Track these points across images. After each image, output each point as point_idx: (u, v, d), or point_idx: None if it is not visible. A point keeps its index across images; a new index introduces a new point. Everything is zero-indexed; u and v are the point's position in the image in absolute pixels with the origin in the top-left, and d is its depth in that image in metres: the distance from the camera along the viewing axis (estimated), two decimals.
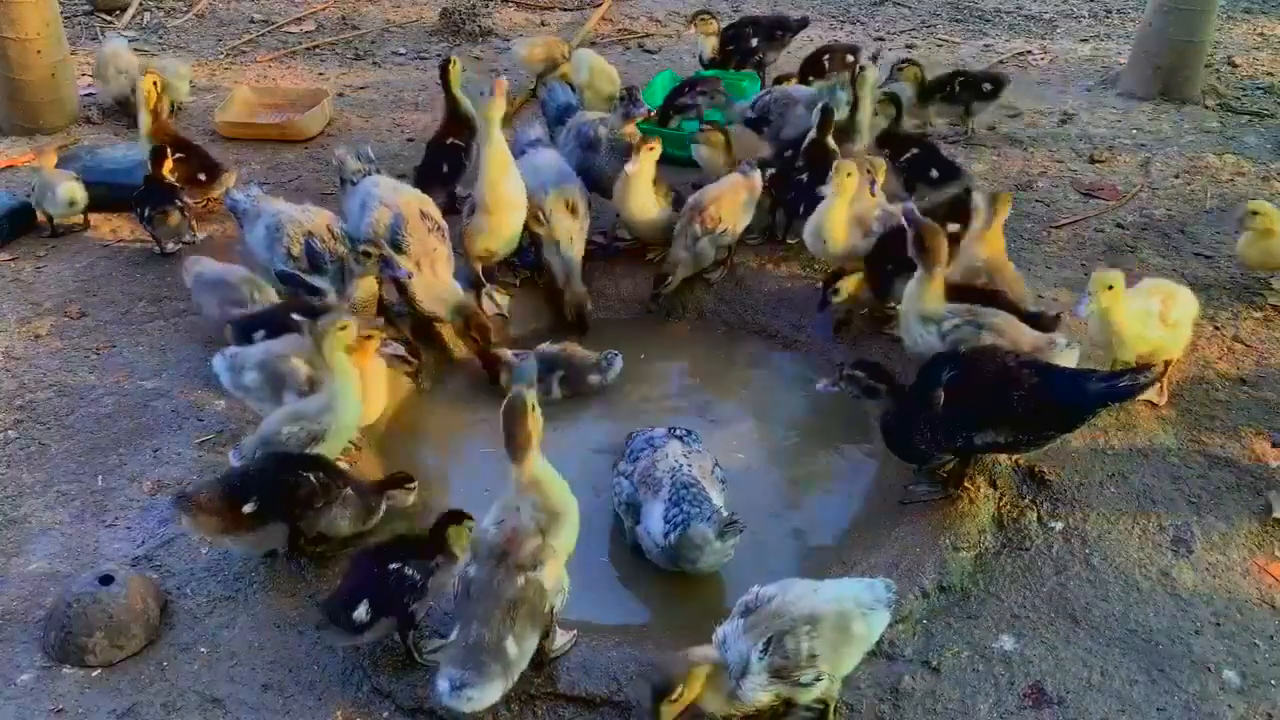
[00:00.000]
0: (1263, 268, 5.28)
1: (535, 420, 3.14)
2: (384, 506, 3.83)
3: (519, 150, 5.66)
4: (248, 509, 3.54)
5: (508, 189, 4.96)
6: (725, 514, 3.71)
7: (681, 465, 3.88)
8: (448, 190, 5.87)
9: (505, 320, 5.30)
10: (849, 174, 4.90)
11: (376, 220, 4.82)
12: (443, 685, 3.00)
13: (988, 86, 6.91)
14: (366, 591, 3.25)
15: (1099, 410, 3.76)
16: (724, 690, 2.97)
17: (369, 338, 4.11)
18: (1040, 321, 4.35)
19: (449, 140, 6.03)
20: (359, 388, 3.94)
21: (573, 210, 5.21)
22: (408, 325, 5.00)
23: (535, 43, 7.62)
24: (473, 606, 3.09)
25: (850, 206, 4.97)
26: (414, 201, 4.94)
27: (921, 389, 3.89)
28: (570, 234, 5.20)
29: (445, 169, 5.94)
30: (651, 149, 5.25)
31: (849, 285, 4.83)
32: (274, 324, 4.39)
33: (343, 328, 3.84)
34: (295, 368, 4.07)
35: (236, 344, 4.34)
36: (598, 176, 5.55)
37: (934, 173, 5.84)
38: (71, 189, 5.78)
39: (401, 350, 4.49)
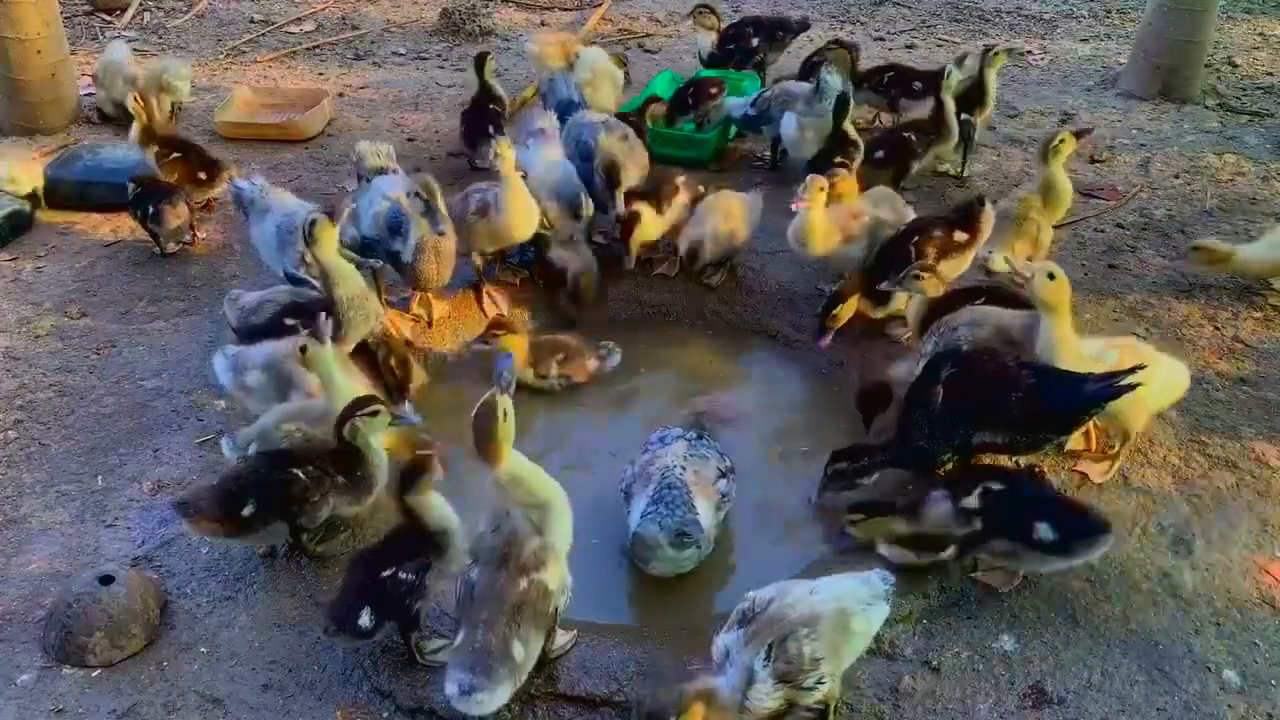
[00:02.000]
0: (1257, 276, 5.33)
1: (507, 427, 3.07)
2: (382, 478, 3.76)
3: (522, 140, 5.67)
4: (246, 512, 3.54)
5: (526, 225, 5.04)
6: (682, 523, 3.68)
7: (674, 466, 3.87)
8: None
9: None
10: (820, 188, 4.92)
11: (377, 214, 4.82)
12: (452, 689, 3.00)
13: (918, 85, 6.75)
14: (367, 599, 3.25)
15: (1094, 412, 3.76)
16: (727, 708, 2.95)
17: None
18: None
19: (490, 105, 6.52)
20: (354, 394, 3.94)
21: (574, 215, 5.28)
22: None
23: (548, 39, 7.67)
24: (476, 610, 3.09)
25: (827, 212, 4.99)
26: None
27: (921, 386, 3.90)
28: (573, 234, 5.31)
29: (490, 129, 6.26)
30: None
31: (846, 311, 4.79)
32: (280, 333, 4.34)
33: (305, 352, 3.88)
34: (300, 370, 4.03)
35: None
36: (597, 189, 5.52)
37: (916, 85, 6.62)
38: (9, 166, 5.91)
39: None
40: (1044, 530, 3.45)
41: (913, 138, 6.09)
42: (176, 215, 5.56)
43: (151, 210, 5.53)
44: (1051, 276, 3.86)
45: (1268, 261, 5.23)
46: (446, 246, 4.78)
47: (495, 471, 3.12)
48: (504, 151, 4.89)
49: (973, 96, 6.42)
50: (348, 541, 3.78)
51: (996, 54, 6.41)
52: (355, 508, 3.77)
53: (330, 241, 4.30)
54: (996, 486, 3.58)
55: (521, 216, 5.01)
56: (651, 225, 5.39)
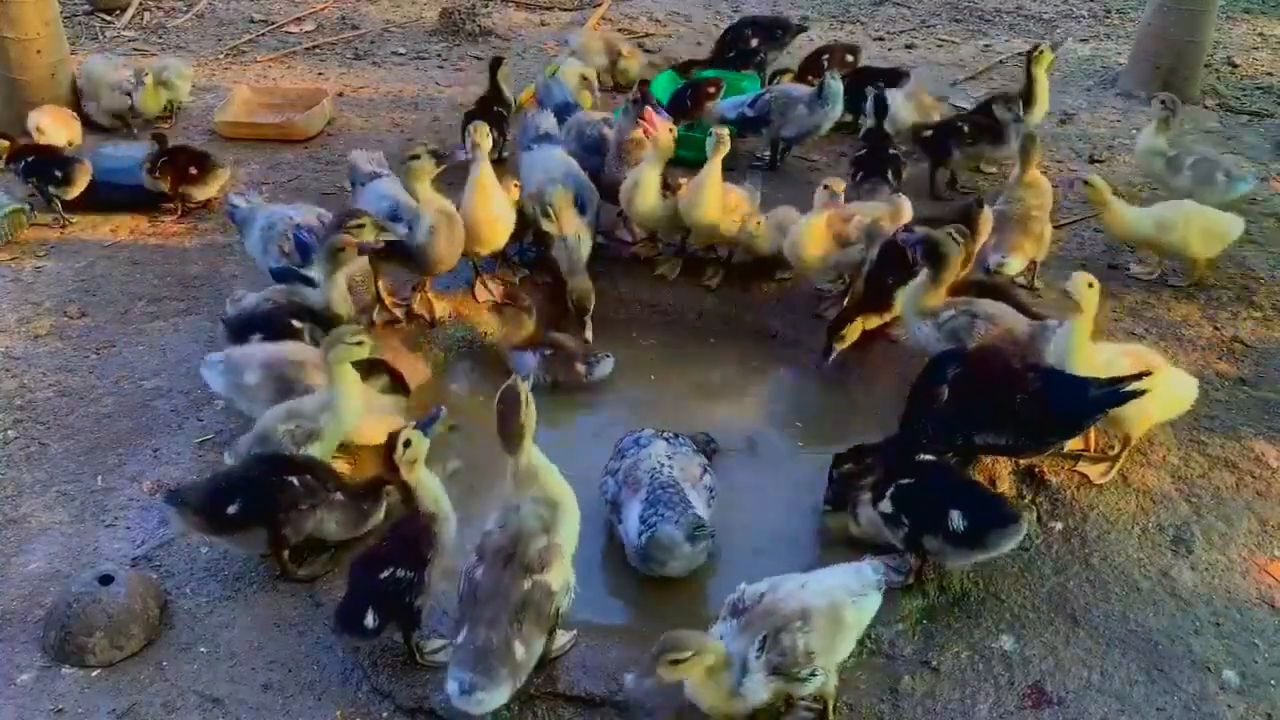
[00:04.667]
0: (1121, 238, 5.41)
1: (529, 412, 3.12)
2: (381, 510, 3.78)
3: (526, 144, 5.66)
4: (231, 511, 3.53)
5: (489, 215, 4.91)
6: (694, 517, 3.69)
7: (662, 466, 3.87)
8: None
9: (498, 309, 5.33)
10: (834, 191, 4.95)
11: (378, 214, 4.80)
12: (452, 687, 3.01)
13: (880, 84, 6.79)
14: (369, 601, 3.26)
15: (1099, 416, 3.77)
16: (724, 686, 2.97)
17: (360, 343, 4.06)
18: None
19: (494, 108, 6.50)
20: (359, 392, 3.93)
21: (580, 208, 5.23)
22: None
23: (593, 35, 7.90)
24: (479, 609, 3.08)
25: (826, 221, 4.98)
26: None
27: (926, 385, 3.88)
28: (577, 230, 5.20)
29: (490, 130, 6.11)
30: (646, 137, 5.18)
31: (852, 333, 4.78)
32: (269, 324, 4.36)
33: (359, 343, 3.83)
34: (310, 375, 4.02)
35: (230, 343, 4.33)
36: (603, 181, 5.52)
37: (880, 82, 6.60)
38: (39, 116, 6.28)
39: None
40: (956, 519, 3.43)
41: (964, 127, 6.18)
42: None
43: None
44: (1091, 285, 3.89)
45: (1135, 232, 5.27)
46: (458, 229, 4.76)
47: (514, 458, 3.13)
48: (481, 140, 4.77)
49: (1020, 94, 6.42)
50: (329, 563, 3.75)
51: (1041, 52, 6.38)
52: (343, 534, 3.74)
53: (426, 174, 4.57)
54: (905, 482, 3.56)
55: (485, 217, 4.88)
56: (653, 194, 5.26)
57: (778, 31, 7.50)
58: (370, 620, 3.22)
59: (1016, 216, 5.15)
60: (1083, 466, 4.18)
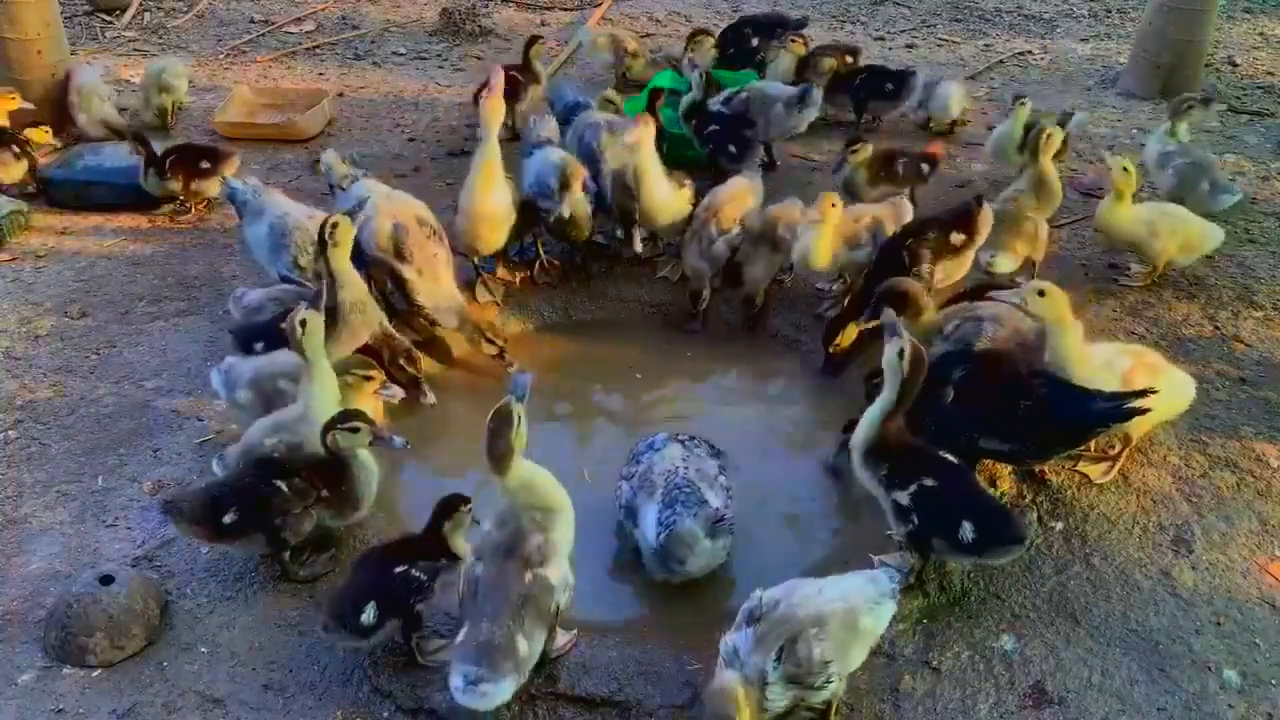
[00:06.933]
0: (1110, 231, 5.30)
1: (520, 434, 3.11)
2: (359, 482, 3.71)
3: (527, 150, 5.66)
4: (227, 519, 3.53)
5: (490, 202, 4.92)
6: (713, 512, 3.68)
7: (678, 468, 3.86)
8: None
9: (499, 308, 5.32)
10: (833, 204, 4.90)
11: (379, 230, 4.77)
12: (456, 682, 3.00)
13: (889, 86, 6.94)
14: (373, 594, 3.25)
15: (1101, 430, 3.78)
16: (754, 702, 2.97)
17: (369, 378, 4.13)
18: None
19: (509, 72, 6.15)
20: (335, 392, 3.91)
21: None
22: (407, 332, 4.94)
23: (600, 31, 7.93)
24: (480, 604, 3.10)
25: (835, 228, 4.96)
26: (411, 208, 4.91)
27: (930, 384, 3.87)
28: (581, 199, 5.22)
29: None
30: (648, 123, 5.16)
31: (846, 338, 4.75)
32: (275, 334, 4.34)
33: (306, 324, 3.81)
34: (286, 389, 4.03)
35: (238, 352, 4.34)
36: (600, 191, 5.51)
37: (889, 86, 6.89)
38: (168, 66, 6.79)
39: (399, 393, 4.33)
40: (967, 531, 3.41)
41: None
42: None
43: None
44: (1042, 294, 3.86)
45: (1129, 231, 5.20)
46: (434, 285, 4.79)
47: (503, 480, 3.13)
48: (493, 104, 4.73)
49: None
50: (330, 563, 3.76)
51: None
52: (340, 522, 3.76)
53: (348, 245, 4.32)
54: (929, 483, 3.52)
55: (488, 196, 4.84)
56: (660, 189, 5.25)
57: (777, 30, 7.50)
58: (369, 616, 3.22)
59: (1009, 216, 5.16)
60: (1083, 466, 4.18)
